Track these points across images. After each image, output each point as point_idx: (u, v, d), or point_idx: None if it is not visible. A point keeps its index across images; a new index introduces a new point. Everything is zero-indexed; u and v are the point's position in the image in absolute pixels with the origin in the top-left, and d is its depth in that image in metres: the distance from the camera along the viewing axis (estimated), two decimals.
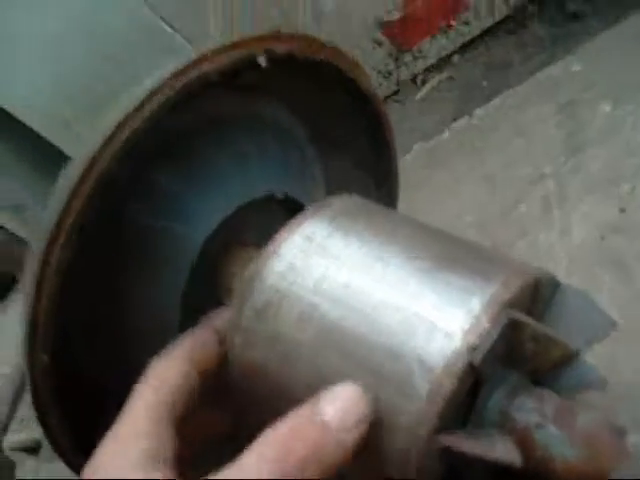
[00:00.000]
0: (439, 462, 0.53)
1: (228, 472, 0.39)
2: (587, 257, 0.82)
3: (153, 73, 0.64)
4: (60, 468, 1.26)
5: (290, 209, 0.71)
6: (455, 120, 1.21)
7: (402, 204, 0.92)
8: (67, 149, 1.55)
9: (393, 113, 1.34)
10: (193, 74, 0.62)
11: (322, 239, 0.61)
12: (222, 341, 0.50)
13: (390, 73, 1.40)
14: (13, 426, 1.44)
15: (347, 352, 0.55)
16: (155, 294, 0.68)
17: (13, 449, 1.38)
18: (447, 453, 0.53)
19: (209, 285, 0.72)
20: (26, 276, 0.61)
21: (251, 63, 0.68)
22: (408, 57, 1.39)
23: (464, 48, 1.37)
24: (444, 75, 1.36)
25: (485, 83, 1.25)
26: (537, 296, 0.58)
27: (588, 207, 0.87)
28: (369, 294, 0.57)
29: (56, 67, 1.46)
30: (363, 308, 0.56)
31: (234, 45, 0.66)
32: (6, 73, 1.46)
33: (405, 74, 1.41)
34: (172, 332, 0.70)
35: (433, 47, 1.38)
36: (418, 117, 1.31)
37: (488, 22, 1.34)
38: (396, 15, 1.32)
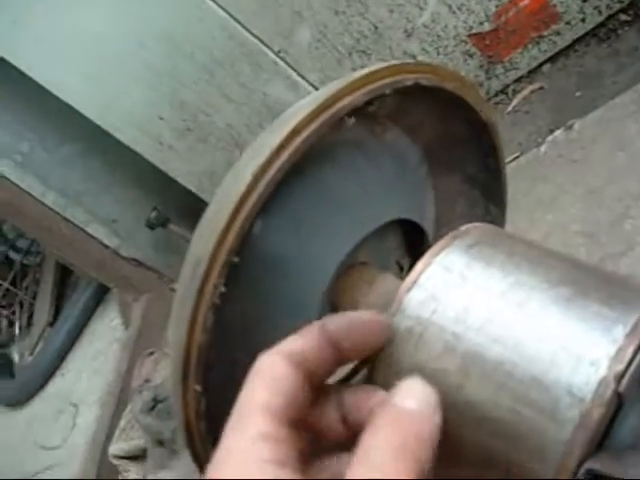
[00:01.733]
0: None
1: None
2: None
3: (286, 115, 0.66)
4: (165, 477, 1.30)
5: (404, 228, 0.73)
6: (551, 132, 1.21)
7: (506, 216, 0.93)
8: (160, 164, 1.60)
9: None
10: (330, 113, 0.64)
11: (461, 269, 0.63)
12: (334, 344, 0.48)
13: (481, 84, 1.41)
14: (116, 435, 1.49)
15: (490, 381, 0.57)
16: (292, 322, 0.71)
17: (118, 457, 1.43)
18: (590, 476, 0.54)
19: (335, 306, 0.75)
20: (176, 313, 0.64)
21: (380, 95, 0.70)
22: (499, 69, 1.39)
23: (555, 58, 1.37)
24: (536, 85, 1.36)
25: (579, 93, 1.25)
26: None
27: None
28: (513, 324, 0.58)
29: (150, 88, 1.50)
30: (507, 338, 0.58)
31: (366, 79, 0.68)
32: (104, 93, 1.52)
33: (496, 85, 1.41)
34: None
35: (524, 58, 1.38)
36: (511, 129, 1.31)
37: (580, 31, 1.34)
38: (487, 27, 1.33)
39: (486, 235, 0.68)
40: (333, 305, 0.77)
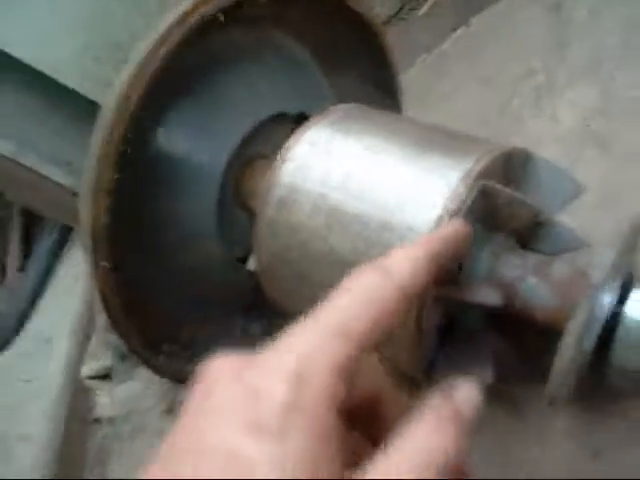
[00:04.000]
0: (435, 310, 0.64)
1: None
2: (573, 139, 0.91)
3: (162, 18, 0.74)
4: (131, 387, 1.40)
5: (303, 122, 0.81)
6: (454, 30, 1.29)
7: (409, 111, 1.02)
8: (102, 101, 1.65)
9: (398, 30, 1.42)
10: (196, 15, 0.73)
11: (325, 142, 0.73)
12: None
13: None
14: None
15: (351, 231, 0.67)
16: (193, 205, 0.80)
17: (90, 378, 1.53)
18: (440, 302, 0.64)
19: (236, 195, 0.84)
20: (81, 200, 0.73)
21: None
22: None
23: None
24: None
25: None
26: (510, 168, 0.68)
27: (574, 94, 0.96)
28: (366, 180, 0.68)
29: (86, 31, 1.56)
30: (361, 192, 0.68)
31: None
32: (47, 43, 1.57)
33: None
34: (210, 238, 0.83)
35: None
36: (421, 32, 1.38)
37: None
38: None
39: (350, 112, 0.78)
40: (235, 192, 0.86)
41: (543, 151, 0.93)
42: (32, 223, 2.47)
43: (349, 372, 0.35)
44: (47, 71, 1.65)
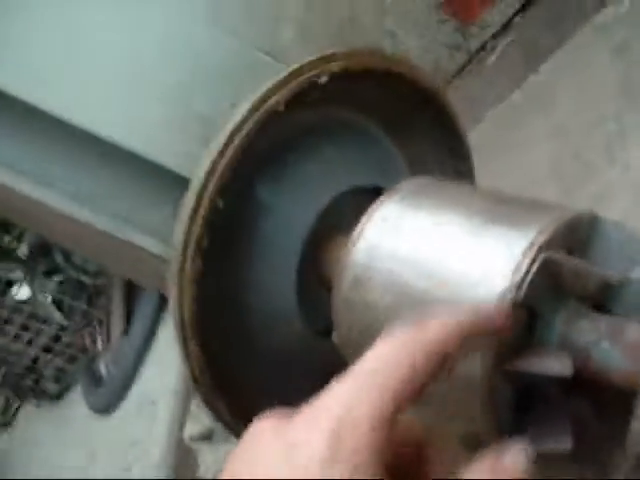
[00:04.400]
0: (509, 383, 0.65)
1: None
2: None
3: (234, 112, 0.79)
4: (232, 448, 1.45)
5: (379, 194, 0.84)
6: (524, 79, 1.30)
7: (482, 168, 1.04)
8: (190, 175, 1.73)
9: (467, 83, 1.44)
10: (262, 110, 0.77)
11: (395, 218, 0.76)
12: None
13: (460, 47, 1.50)
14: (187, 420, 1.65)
15: (419, 309, 0.69)
16: (274, 282, 0.84)
17: (192, 439, 1.59)
18: (512, 375, 0.65)
19: (314, 269, 0.87)
20: (168, 287, 0.78)
21: (314, 84, 0.82)
22: (474, 29, 1.48)
23: (524, 9, 1.45)
24: (509, 39, 1.45)
25: (547, 39, 1.33)
26: (576, 233, 0.69)
27: None
28: (433, 256, 0.70)
29: (169, 105, 1.64)
30: (429, 269, 0.70)
31: (295, 74, 0.81)
32: (133, 120, 1.66)
33: (475, 44, 1.50)
34: (290, 311, 0.86)
35: (495, 15, 1.46)
36: (492, 83, 1.40)
37: None
38: None
39: (419, 186, 0.81)
40: (313, 267, 0.90)
41: (616, 199, 0.94)
42: (133, 288, 2.58)
43: (387, 424, 0.35)
44: (137, 149, 1.74)
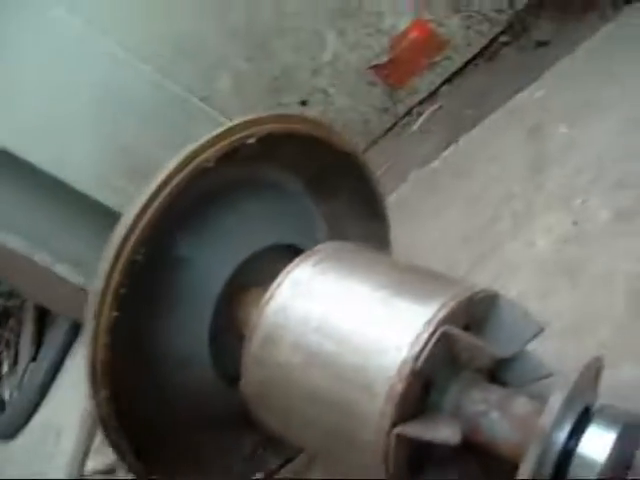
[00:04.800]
0: (402, 447, 0.69)
1: None
2: (547, 264, 0.97)
3: (161, 168, 0.82)
4: None
5: (297, 254, 0.88)
6: (445, 148, 1.37)
7: (399, 227, 1.09)
8: (118, 208, 1.74)
9: (393, 145, 1.50)
10: (192, 166, 0.81)
11: (307, 282, 0.80)
12: None
13: (387, 109, 1.56)
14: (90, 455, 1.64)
15: (327, 370, 0.73)
16: (187, 330, 0.87)
17: (95, 472, 1.58)
18: (405, 439, 0.69)
19: (228, 320, 0.90)
20: (83, 335, 0.80)
21: (243, 144, 0.87)
22: (402, 94, 1.55)
23: (450, 79, 1.53)
24: (435, 106, 1.52)
25: (470, 112, 1.40)
26: (475, 309, 0.75)
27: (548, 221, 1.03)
28: (341, 323, 0.75)
29: (99, 137, 1.66)
30: (337, 335, 0.74)
31: (226, 134, 0.85)
32: (60, 148, 1.67)
33: (401, 109, 1.57)
34: (202, 358, 0.89)
35: (423, 82, 1.54)
36: (415, 147, 1.46)
37: (467, 54, 1.50)
38: (384, 59, 1.49)
39: (334, 251, 0.85)
40: (227, 318, 0.92)
41: (519, 274, 1.00)
42: (45, 314, 2.55)
43: None
44: (62, 176, 1.75)
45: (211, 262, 0.90)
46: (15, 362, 2.63)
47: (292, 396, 0.76)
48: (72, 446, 1.86)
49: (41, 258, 1.89)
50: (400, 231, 1.09)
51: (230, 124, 0.85)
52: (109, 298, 0.77)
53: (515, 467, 0.66)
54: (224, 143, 0.84)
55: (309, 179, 1.02)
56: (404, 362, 0.70)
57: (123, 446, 0.83)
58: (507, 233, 1.06)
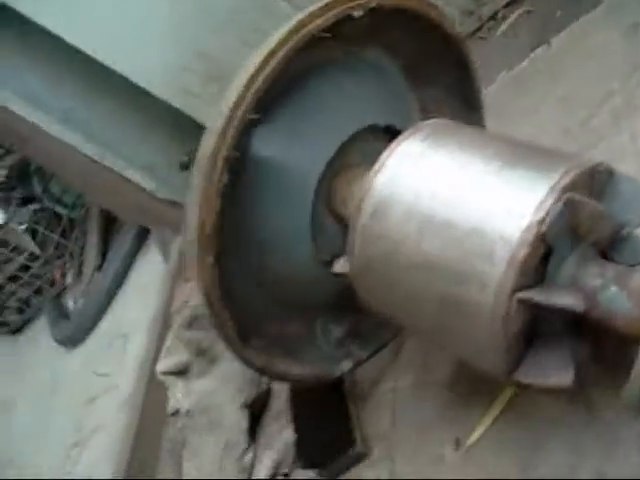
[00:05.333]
0: (521, 313, 0.68)
1: None
2: None
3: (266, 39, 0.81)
4: (207, 384, 1.45)
5: (394, 135, 0.86)
6: (532, 50, 1.33)
7: (490, 127, 1.06)
8: (193, 113, 1.73)
9: (478, 48, 1.46)
10: (301, 34, 0.79)
11: (417, 156, 0.78)
12: None
13: (472, 12, 1.52)
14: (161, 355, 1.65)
15: (444, 236, 0.72)
16: (289, 209, 0.86)
17: (165, 373, 1.60)
18: (526, 304, 0.68)
19: (328, 201, 0.89)
20: (190, 200, 0.79)
21: (349, 17, 0.84)
22: None
23: None
24: (521, 10, 1.47)
25: (559, 13, 1.36)
26: (594, 182, 0.72)
27: None
28: (455, 191, 0.73)
29: (175, 41, 1.64)
30: (452, 201, 0.73)
31: (333, 4, 0.83)
32: (136, 52, 1.66)
33: (487, 11, 1.52)
34: (301, 241, 0.88)
35: None
36: (501, 50, 1.42)
37: None
38: None
39: (440, 127, 0.83)
40: (327, 199, 0.92)
41: (623, 165, 0.97)
42: (110, 223, 2.57)
43: None
44: (136, 80, 1.74)
45: (312, 142, 0.88)
46: (79, 272, 2.67)
47: (399, 267, 0.76)
48: (140, 350, 1.89)
49: (113, 162, 1.91)
50: (493, 129, 1.06)
51: None
52: (220, 163, 0.76)
53: (633, 343, 0.65)
54: (332, 13, 0.82)
55: (410, 61, 0.99)
56: (529, 227, 0.68)
57: (223, 316, 0.83)
58: (609, 126, 1.03)
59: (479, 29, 1.51)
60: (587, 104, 1.10)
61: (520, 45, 1.38)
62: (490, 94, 1.29)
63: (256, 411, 1.26)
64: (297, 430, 1.09)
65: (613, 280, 0.70)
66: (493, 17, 1.52)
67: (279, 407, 1.20)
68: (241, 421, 1.27)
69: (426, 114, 1.02)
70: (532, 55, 1.32)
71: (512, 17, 1.47)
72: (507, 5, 1.50)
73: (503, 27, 1.47)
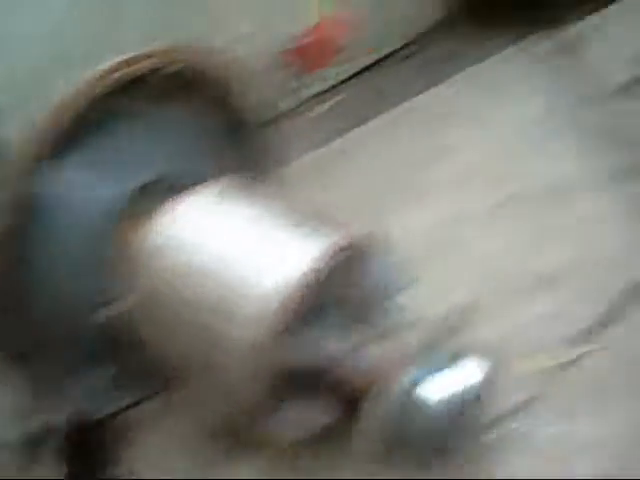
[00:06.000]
0: (272, 367, 0.74)
1: None
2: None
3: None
4: None
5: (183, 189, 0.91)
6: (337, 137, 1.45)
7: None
8: None
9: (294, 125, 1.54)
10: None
11: (206, 205, 0.85)
12: None
13: (295, 91, 1.60)
14: None
15: (214, 280, 0.78)
16: (73, 251, 0.89)
17: None
18: (275, 360, 0.74)
19: (116, 245, 0.92)
20: None
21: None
22: (309, 79, 1.60)
23: (357, 75, 1.60)
24: (339, 97, 1.58)
25: (367, 107, 1.48)
26: (356, 252, 0.80)
27: None
28: (231, 243, 0.82)
29: None
30: (225, 252, 0.81)
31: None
32: None
33: (306, 93, 1.62)
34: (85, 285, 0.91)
35: (331, 72, 1.59)
36: (311, 131, 1.51)
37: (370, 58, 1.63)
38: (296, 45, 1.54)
39: (233, 183, 0.90)
40: (115, 245, 0.95)
41: None
42: None
43: None
44: None
45: (104, 187, 0.93)
46: None
47: (177, 304, 0.81)
48: None
49: None
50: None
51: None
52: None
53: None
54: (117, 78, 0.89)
55: (211, 124, 1.04)
56: (286, 286, 0.75)
57: None
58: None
59: (299, 106, 1.60)
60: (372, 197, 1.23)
61: (326, 132, 1.48)
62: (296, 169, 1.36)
63: None
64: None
65: (357, 344, 0.78)
66: (313, 98, 1.61)
67: None
68: None
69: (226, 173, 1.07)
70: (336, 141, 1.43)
71: (329, 102, 1.57)
72: (327, 91, 1.61)
73: (319, 110, 1.57)
